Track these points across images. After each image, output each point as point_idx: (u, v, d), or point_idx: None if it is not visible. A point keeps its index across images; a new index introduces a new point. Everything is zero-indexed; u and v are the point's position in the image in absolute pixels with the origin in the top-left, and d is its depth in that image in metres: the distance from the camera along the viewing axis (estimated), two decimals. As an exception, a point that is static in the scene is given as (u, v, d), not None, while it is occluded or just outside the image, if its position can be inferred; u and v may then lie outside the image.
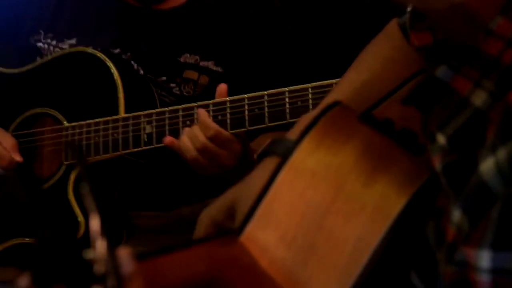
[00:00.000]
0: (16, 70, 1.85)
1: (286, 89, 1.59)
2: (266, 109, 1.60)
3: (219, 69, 1.79)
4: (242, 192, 1.04)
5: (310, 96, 1.56)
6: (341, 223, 0.82)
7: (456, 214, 0.76)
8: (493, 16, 0.76)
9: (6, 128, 1.82)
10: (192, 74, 1.79)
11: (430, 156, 0.81)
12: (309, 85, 1.57)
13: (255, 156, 1.10)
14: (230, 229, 0.96)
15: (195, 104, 1.67)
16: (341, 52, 1.93)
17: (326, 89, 1.55)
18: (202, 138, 1.60)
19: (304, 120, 1.06)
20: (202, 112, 1.63)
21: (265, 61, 1.80)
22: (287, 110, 1.58)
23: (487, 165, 0.73)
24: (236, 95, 1.65)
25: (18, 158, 1.75)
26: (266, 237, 0.86)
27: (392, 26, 1.08)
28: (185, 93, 1.79)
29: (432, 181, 0.82)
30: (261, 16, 1.81)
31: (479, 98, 0.77)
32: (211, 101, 1.65)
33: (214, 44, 1.79)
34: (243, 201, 1.03)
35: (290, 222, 0.85)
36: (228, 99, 1.63)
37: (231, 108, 1.62)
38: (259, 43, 1.80)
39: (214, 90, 1.78)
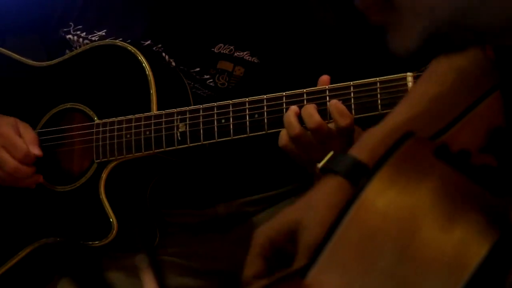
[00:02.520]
0: (44, 64, 1.80)
1: (351, 83, 1.50)
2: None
3: (254, 59, 1.72)
4: (306, 216, 0.99)
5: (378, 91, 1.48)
6: (414, 272, 0.75)
7: None
8: None
9: (35, 124, 1.78)
10: (227, 65, 1.72)
11: None
12: (377, 79, 1.49)
13: (317, 167, 1.03)
14: (293, 271, 0.90)
15: (230, 101, 1.60)
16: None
17: (395, 83, 1.47)
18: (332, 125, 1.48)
19: (371, 139, 0.99)
20: (335, 102, 1.49)
21: (303, 51, 1.72)
22: (353, 106, 1.49)
23: None
24: (272, 87, 1.59)
25: (36, 151, 1.71)
26: (332, 281, 0.79)
27: None
28: (219, 85, 1.73)
29: None
30: (299, 3, 1.73)
31: None
32: (247, 99, 1.59)
33: (250, 33, 1.72)
34: (307, 228, 0.97)
35: (358, 267, 0.78)
36: (305, 90, 1.52)
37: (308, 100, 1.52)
38: (297, 32, 1.72)
39: (250, 82, 1.72)
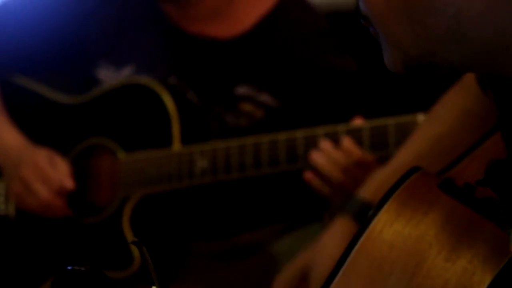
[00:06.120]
0: (73, 100, 1.86)
1: (366, 123, 1.55)
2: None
3: (275, 102, 1.77)
4: (315, 259, 1.03)
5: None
6: None
7: None
8: None
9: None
10: (247, 107, 1.77)
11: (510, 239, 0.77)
12: (390, 119, 1.53)
13: (327, 213, 1.08)
14: None
15: (249, 140, 1.64)
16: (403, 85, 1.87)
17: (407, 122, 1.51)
18: (344, 161, 1.51)
19: (377, 180, 1.02)
20: (347, 140, 1.54)
21: (323, 96, 1.76)
22: (367, 145, 1.53)
23: None
24: (291, 129, 1.63)
25: (69, 184, 1.75)
26: None
27: (468, 76, 1.03)
28: (239, 125, 1.77)
29: None
30: (321, 50, 1.77)
31: None
32: (265, 138, 1.63)
33: (271, 77, 1.76)
34: (316, 269, 1.01)
35: None
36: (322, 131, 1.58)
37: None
38: (318, 77, 1.76)
39: (269, 124, 1.76)
